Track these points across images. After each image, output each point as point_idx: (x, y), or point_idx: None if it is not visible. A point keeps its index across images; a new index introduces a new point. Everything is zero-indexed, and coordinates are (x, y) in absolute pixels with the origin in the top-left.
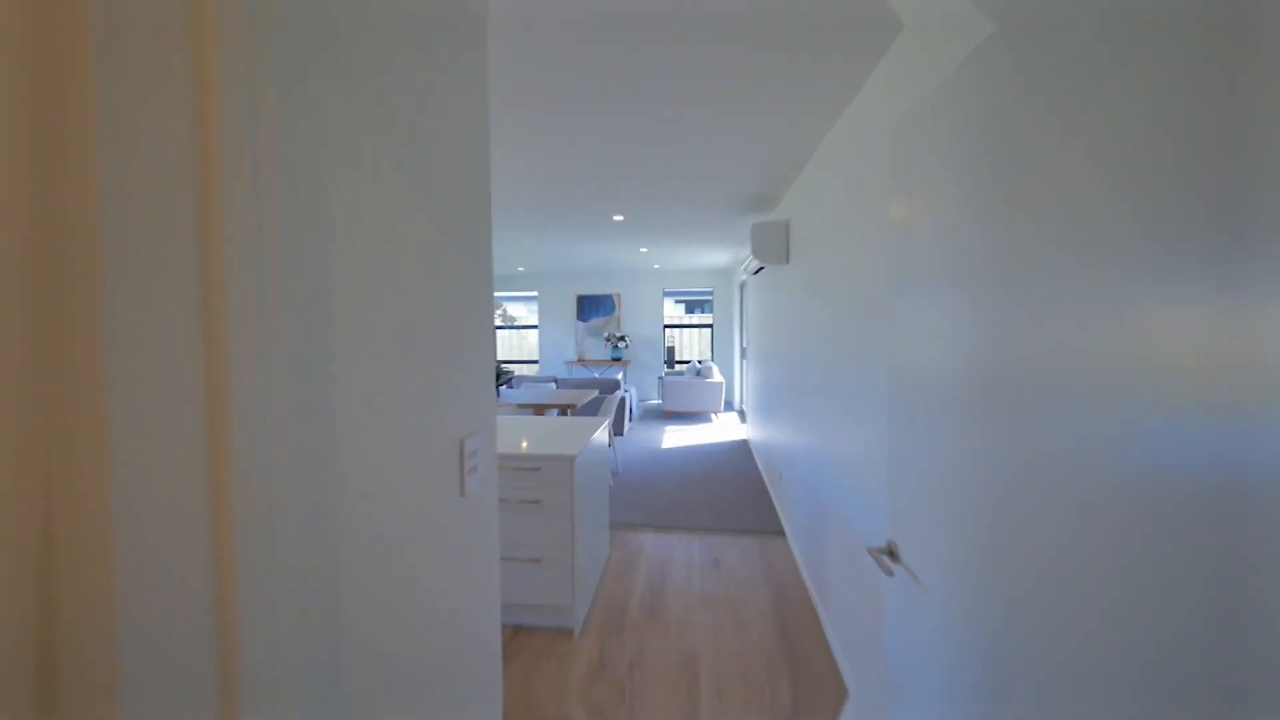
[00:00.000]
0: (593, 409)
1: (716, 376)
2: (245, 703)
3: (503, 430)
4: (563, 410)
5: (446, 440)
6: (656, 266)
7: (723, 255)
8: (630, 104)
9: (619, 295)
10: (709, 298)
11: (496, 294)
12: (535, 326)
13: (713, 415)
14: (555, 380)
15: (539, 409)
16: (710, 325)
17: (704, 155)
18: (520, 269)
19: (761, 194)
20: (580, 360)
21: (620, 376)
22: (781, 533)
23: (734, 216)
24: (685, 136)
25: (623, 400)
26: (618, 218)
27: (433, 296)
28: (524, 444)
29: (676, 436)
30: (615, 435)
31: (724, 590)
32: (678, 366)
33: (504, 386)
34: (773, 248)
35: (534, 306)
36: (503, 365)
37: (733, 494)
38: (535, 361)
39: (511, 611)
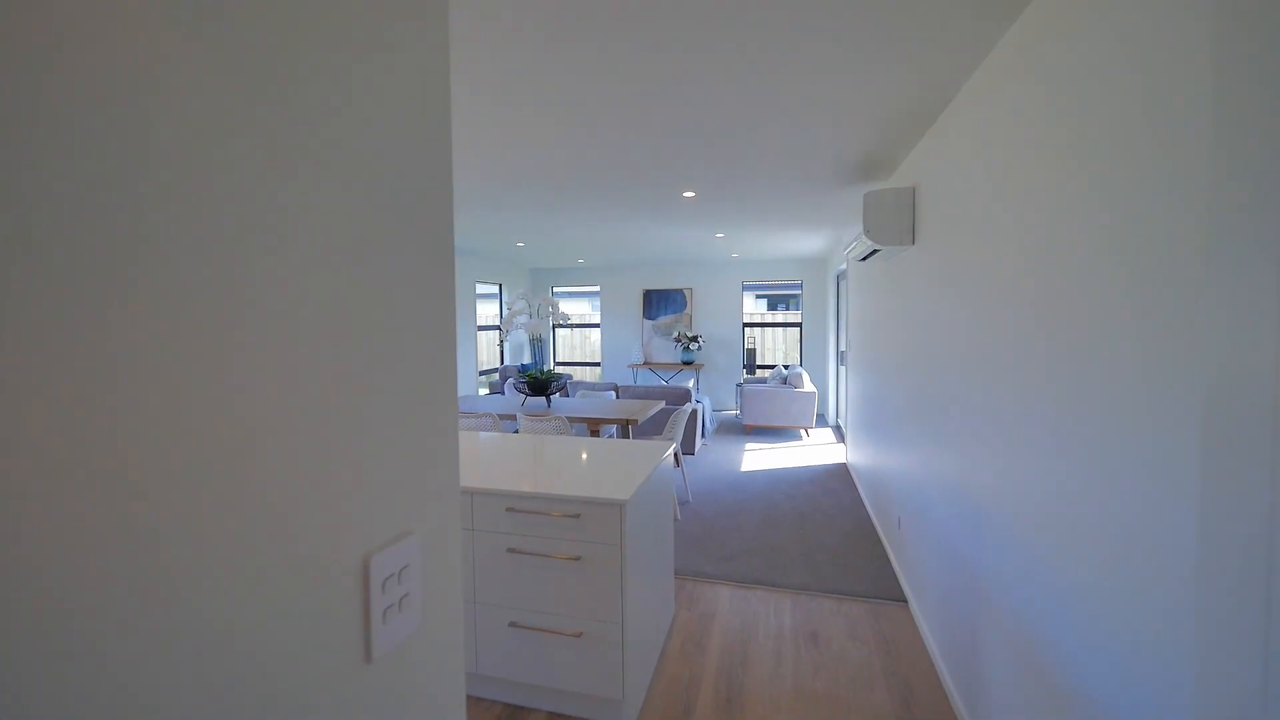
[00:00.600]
0: (658, 424)
1: (807, 385)
2: None
3: (541, 456)
4: (623, 428)
5: (329, 564)
6: (735, 256)
7: (815, 240)
8: (699, 37)
9: (691, 290)
10: (796, 292)
11: (557, 289)
12: (597, 325)
13: (803, 431)
14: (616, 388)
15: (594, 425)
16: (798, 324)
17: (796, 104)
18: (580, 261)
19: (873, 154)
20: (646, 364)
21: (691, 383)
22: (903, 599)
23: (833, 187)
24: (774, 80)
25: (694, 413)
26: (688, 194)
27: (317, 302)
28: (562, 479)
29: (759, 457)
30: (684, 454)
31: (828, 683)
32: (759, 372)
33: (557, 395)
34: (891, 224)
35: (596, 303)
36: (558, 368)
37: (834, 539)
38: (597, 364)
39: (542, 696)
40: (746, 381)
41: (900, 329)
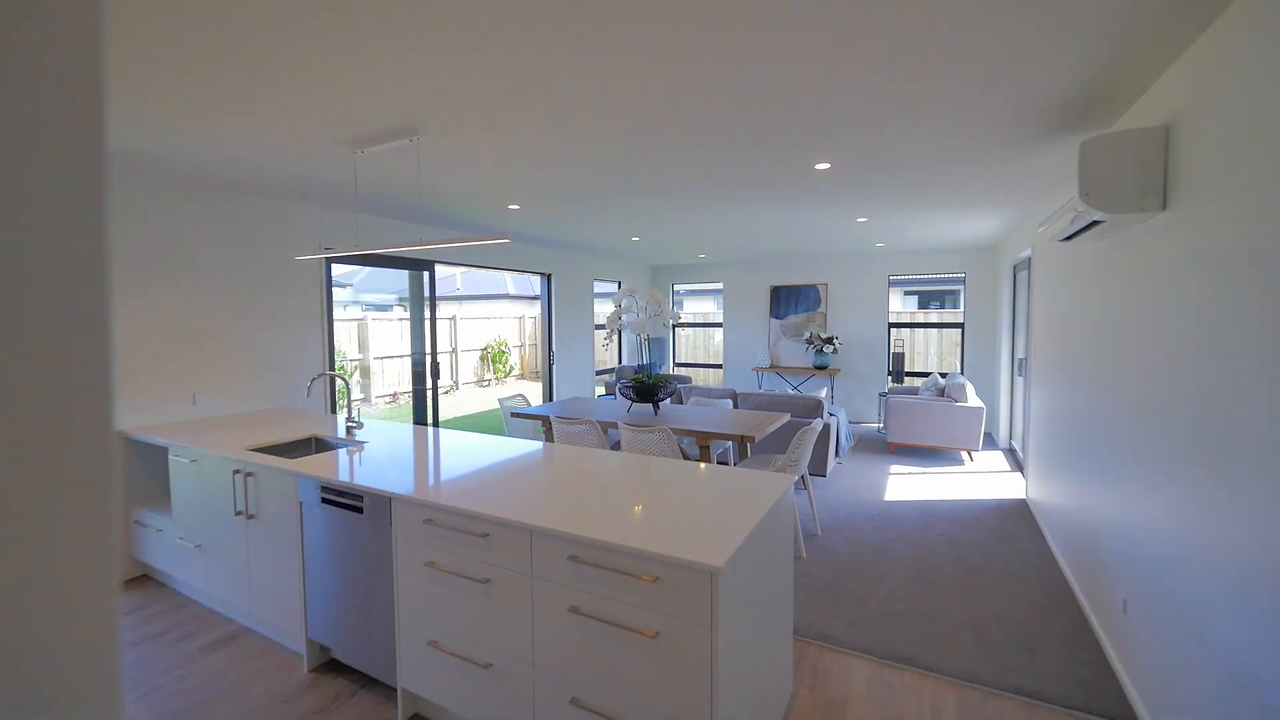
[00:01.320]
0: (781, 440)
1: (972, 399)
2: None
3: (625, 485)
4: (741, 445)
5: None
6: (880, 245)
7: (984, 221)
8: None
9: (825, 286)
10: (955, 287)
11: (678, 287)
12: (719, 325)
13: (966, 454)
14: (735, 395)
15: (704, 440)
16: (958, 325)
17: (971, 21)
18: (701, 256)
19: (1092, 87)
20: (773, 368)
21: (824, 392)
22: (1130, 718)
23: (1018, 144)
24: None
25: (826, 429)
26: (821, 165)
27: None
28: (642, 524)
29: (907, 484)
30: (813, 475)
31: None
32: (908, 380)
33: (667, 400)
34: (1125, 183)
35: (722, 302)
36: (677, 370)
37: (1016, 610)
38: (718, 366)
39: None
40: (892, 391)
41: (1128, 328)
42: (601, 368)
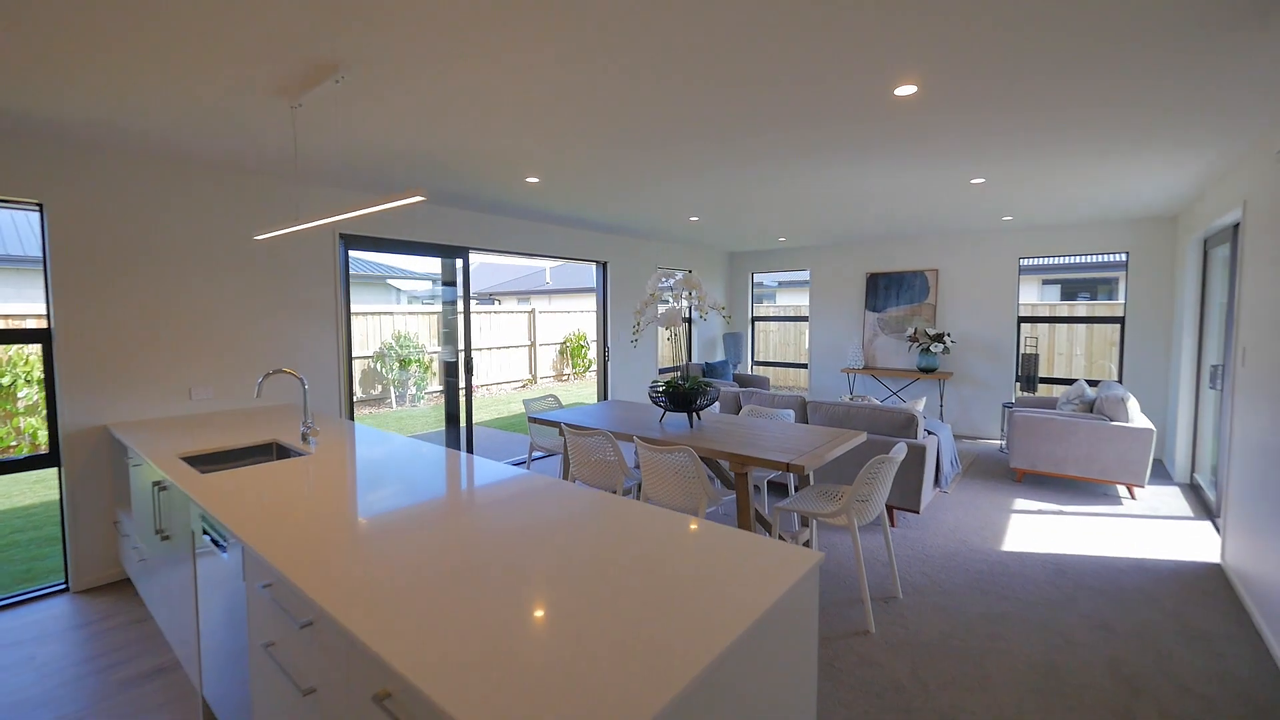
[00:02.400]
0: (850, 467)
1: (1137, 417)
2: None
3: (528, 551)
4: (799, 478)
5: None
6: (1007, 219)
7: (1159, 177)
8: None
9: (935, 273)
10: (1113, 273)
11: (759, 275)
12: (805, 319)
13: (1126, 490)
14: (804, 404)
15: (739, 466)
16: (1116, 320)
17: None
18: (781, 240)
19: None
20: (867, 369)
21: (922, 403)
22: None
23: (1227, 30)
24: None
25: (919, 453)
26: (904, 89)
27: None
28: (506, 663)
29: (1036, 530)
30: (901, 510)
31: None
32: (1042, 389)
33: (712, 407)
34: None
35: (806, 292)
36: (756, 369)
37: None
38: (803, 365)
39: None
40: (1021, 403)
41: None
42: (667, 365)
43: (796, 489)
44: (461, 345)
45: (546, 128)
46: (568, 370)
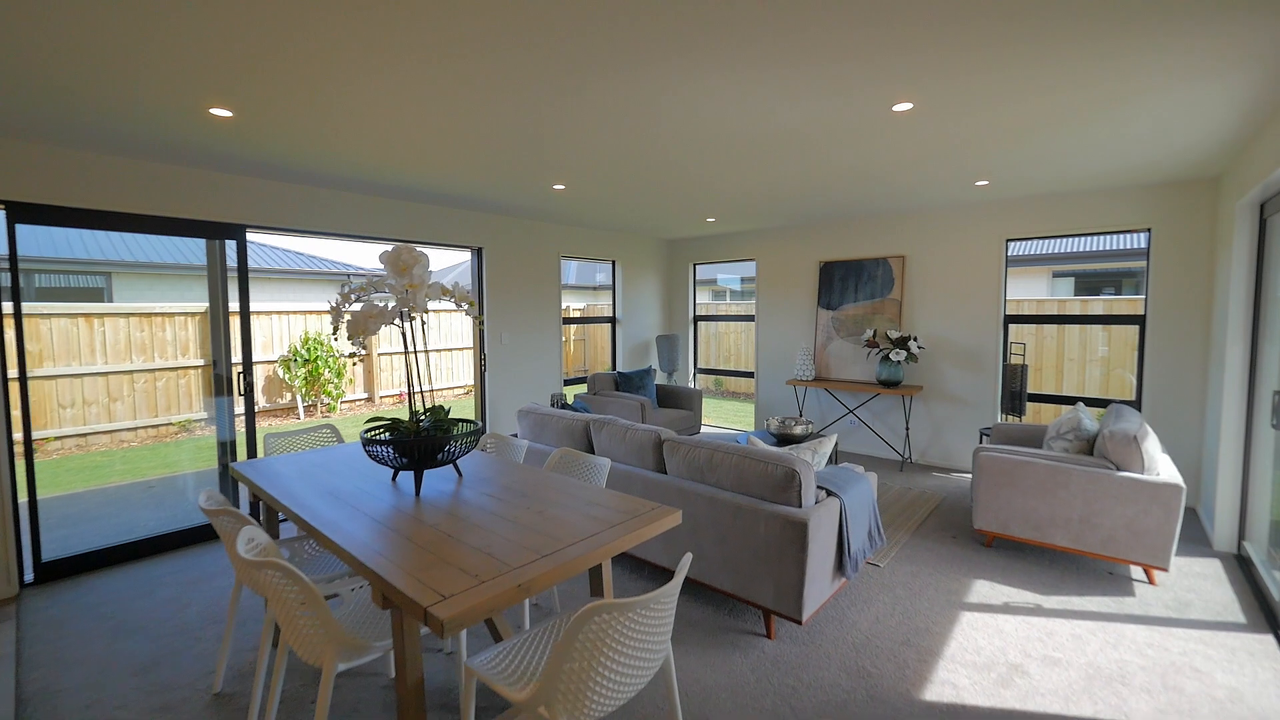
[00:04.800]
0: (748, 539)
1: (1157, 464)
2: None
3: None
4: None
5: None
6: (982, 184)
7: (1194, 116)
8: None
9: (901, 260)
10: (1135, 263)
11: (701, 265)
12: (750, 318)
13: (1143, 573)
14: (659, 442)
15: (382, 600)
16: (1135, 319)
17: None
18: (710, 220)
19: None
20: (819, 380)
21: (825, 451)
22: None
23: None
24: None
25: (803, 534)
26: None
27: None
28: None
29: (1001, 644)
30: (781, 619)
31: None
32: (1033, 411)
33: (453, 465)
34: None
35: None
36: (700, 376)
37: None
38: (749, 374)
39: None
40: (999, 434)
41: None
42: (576, 375)
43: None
44: (238, 356)
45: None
46: None
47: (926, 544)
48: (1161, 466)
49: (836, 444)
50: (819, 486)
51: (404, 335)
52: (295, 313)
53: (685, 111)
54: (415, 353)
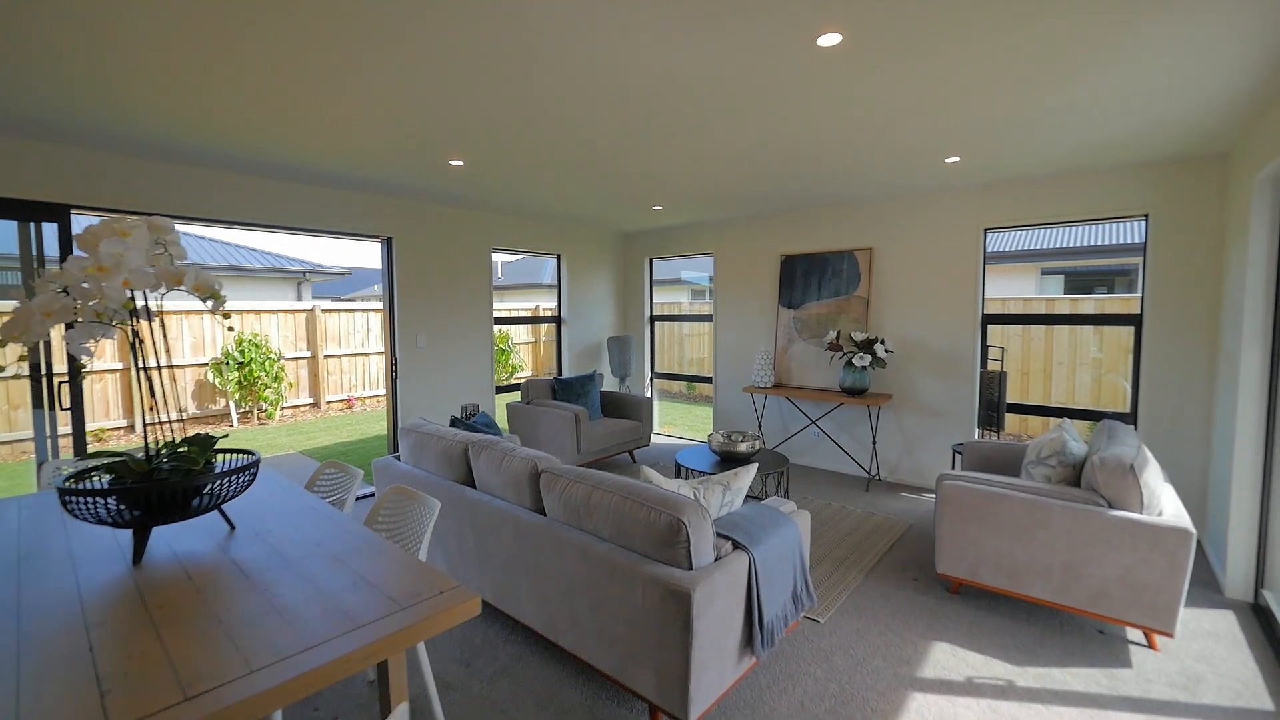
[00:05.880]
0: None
1: (1160, 499)
2: None
3: None
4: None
5: None
6: (952, 161)
7: (1200, 72)
8: None
9: (869, 252)
10: (1132, 259)
11: (659, 260)
12: (708, 318)
13: (1144, 637)
14: (537, 473)
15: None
16: (1130, 319)
17: None
18: (656, 208)
19: None
20: (780, 388)
21: (716, 498)
22: None
23: None
24: None
25: (687, 607)
26: None
27: None
28: None
29: None
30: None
31: None
32: (1013, 424)
33: (212, 510)
34: None
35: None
36: (658, 382)
37: None
38: (707, 379)
39: None
40: (970, 458)
41: None
42: (512, 381)
43: None
44: (63, 365)
45: None
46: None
47: (882, 588)
48: (1165, 503)
49: (788, 469)
50: (723, 536)
51: (131, 344)
52: (230, 312)
53: (564, 55)
54: (146, 369)
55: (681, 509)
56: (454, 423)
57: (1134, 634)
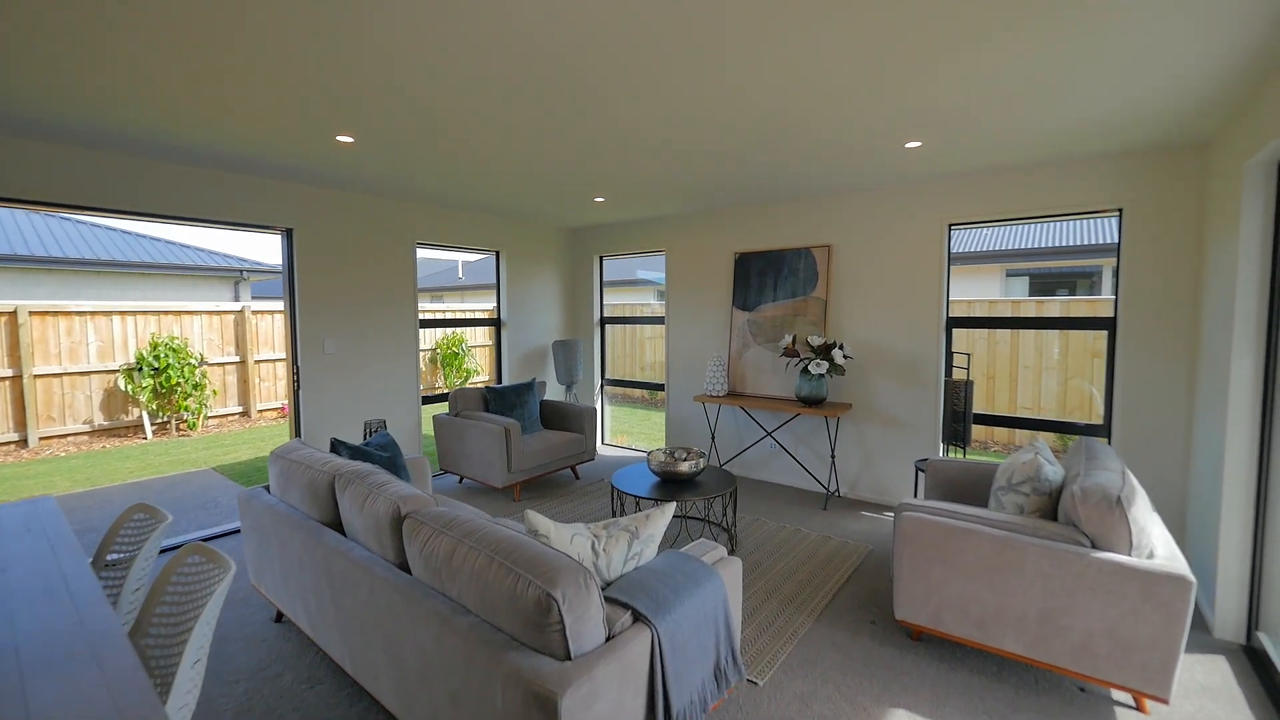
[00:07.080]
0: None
1: (1152, 541)
2: None
3: None
4: None
5: None
6: (913, 145)
7: (1178, 48)
8: None
9: (827, 250)
10: (1102, 260)
11: (609, 258)
12: (660, 319)
13: (1135, 701)
14: (399, 516)
15: None
16: (1105, 321)
17: None
18: (599, 200)
19: None
20: (734, 396)
21: (585, 559)
22: None
23: None
24: None
25: (607, 693)
26: None
27: None
28: None
29: None
30: None
31: None
32: (981, 436)
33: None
34: None
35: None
36: (608, 389)
37: None
38: (659, 386)
39: None
40: (936, 481)
41: None
42: (437, 391)
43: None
44: None
45: None
46: (439, 382)
47: (834, 635)
48: (1157, 542)
49: (735, 491)
50: (621, 604)
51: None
52: (147, 313)
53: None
54: None
55: (556, 578)
56: (334, 447)
57: (1119, 696)
